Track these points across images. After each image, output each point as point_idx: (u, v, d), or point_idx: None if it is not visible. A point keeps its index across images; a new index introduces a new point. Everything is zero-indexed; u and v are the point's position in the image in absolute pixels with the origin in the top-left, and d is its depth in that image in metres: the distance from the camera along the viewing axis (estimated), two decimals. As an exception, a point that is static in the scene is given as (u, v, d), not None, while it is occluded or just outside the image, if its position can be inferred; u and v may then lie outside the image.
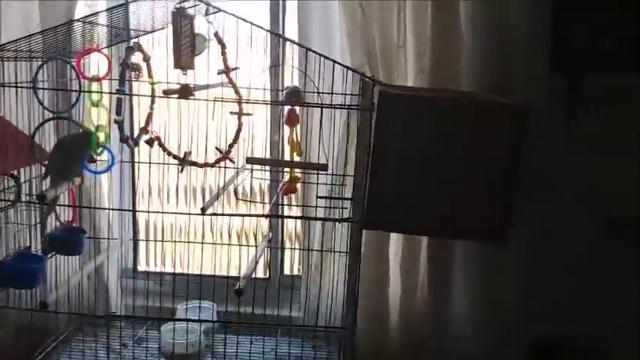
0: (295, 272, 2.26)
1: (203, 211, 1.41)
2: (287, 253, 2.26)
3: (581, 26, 1.80)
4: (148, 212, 2.08)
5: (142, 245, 2.36)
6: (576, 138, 1.80)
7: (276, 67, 1.95)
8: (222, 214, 1.46)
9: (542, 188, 1.74)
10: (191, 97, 1.44)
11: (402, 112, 1.42)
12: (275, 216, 1.93)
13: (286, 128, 1.89)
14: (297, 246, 2.19)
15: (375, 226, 1.49)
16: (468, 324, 1.92)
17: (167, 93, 1.51)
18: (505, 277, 1.77)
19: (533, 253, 1.73)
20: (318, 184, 1.96)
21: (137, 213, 2.27)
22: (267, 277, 2.24)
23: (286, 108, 1.86)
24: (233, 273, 2.14)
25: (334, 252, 1.95)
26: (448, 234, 1.45)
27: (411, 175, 1.43)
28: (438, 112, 1.42)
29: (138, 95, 1.75)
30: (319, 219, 1.75)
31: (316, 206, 1.86)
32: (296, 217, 1.88)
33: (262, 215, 1.89)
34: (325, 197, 1.71)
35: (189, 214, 1.71)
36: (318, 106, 1.59)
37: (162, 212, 1.85)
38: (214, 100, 1.42)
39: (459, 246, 1.89)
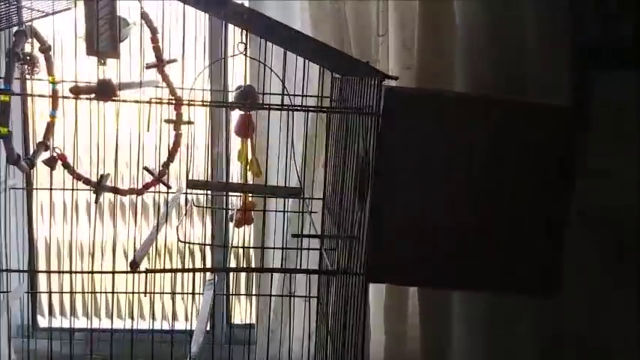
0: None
1: (133, 267, 0.95)
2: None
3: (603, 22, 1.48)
4: (53, 272, 1.55)
5: (42, 283, 1.84)
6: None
7: (219, 60, 1.51)
8: (157, 271, 1.02)
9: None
10: (115, 99, 0.98)
11: (419, 118, 1.02)
12: (232, 270, 1.47)
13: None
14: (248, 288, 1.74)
15: (382, 278, 1.08)
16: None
17: (77, 92, 1.03)
18: (524, 326, 1.40)
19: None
20: (276, 211, 1.54)
21: (37, 245, 1.77)
22: (210, 327, 1.78)
23: (237, 114, 1.43)
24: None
25: (301, 298, 1.54)
26: (486, 286, 1.06)
27: (430, 204, 1.03)
28: (468, 117, 1.03)
29: (32, 95, 1.24)
30: (301, 271, 1.31)
31: (279, 247, 1.42)
32: (266, 270, 1.43)
33: (210, 269, 1.44)
34: (306, 236, 1.27)
35: (113, 272, 1.24)
36: (301, 110, 1.16)
37: (71, 272, 1.35)
38: (149, 102, 0.96)
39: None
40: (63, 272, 1.47)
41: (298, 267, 1.41)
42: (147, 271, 0.94)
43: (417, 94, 1.09)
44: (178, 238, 1.21)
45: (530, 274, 1.03)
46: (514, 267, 1.03)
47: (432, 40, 1.47)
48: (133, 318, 1.67)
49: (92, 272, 1.36)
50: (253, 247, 1.47)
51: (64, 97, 1.36)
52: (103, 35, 1.04)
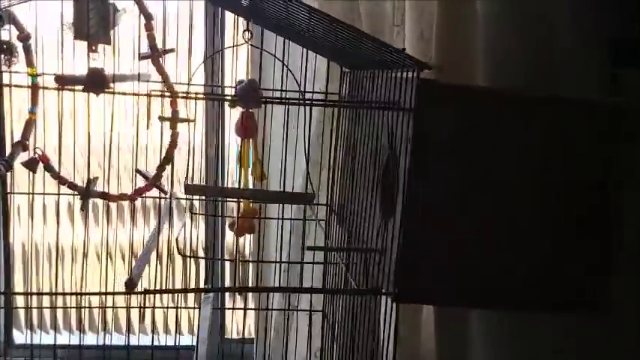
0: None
1: (129, 287, 0.81)
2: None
3: None
4: (32, 294, 1.38)
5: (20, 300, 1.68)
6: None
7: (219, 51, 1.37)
8: (157, 292, 0.88)
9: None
10: (108, 90, 0.84)
11: (457, 114, 0.90)
12: (245, 290, 1.33)
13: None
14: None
15: (416, 298, 0.95)
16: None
17: (62, 83, 0.89)
18: (553, 342, 1.27)
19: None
20: (281, 219, 1.40)
21: (15, 254, 1.62)
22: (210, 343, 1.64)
23: (238, 111, 1.29)
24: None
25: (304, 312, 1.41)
26: (535, 304, 0.94)
27: (472, 210, 0.91)
28: (513, 115, 0.91)
29: (10, 86, 1.10)
30: (325, 291, 1.16)
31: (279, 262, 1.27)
32: (288, 290, 1.28)
33: (215, 290, 1.30)
34: (326, 249, 1.14)
35: (105, 293, 1.09)
36: (323, 105, 1.03)
37: (56, 294, 1.19)
38: (148, 95, 0.81)
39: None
40: (43, 294, 1.32)
41: (302, 279, 1.27)
42: (145, 292, 0.80)
43: (456, 88, 0.97)
44: (179, 251, 1.07)
45: (584, 290, 0.91)
46: (565, 282, 0.91)
47: (451, 31, 1.34)
48: (129, 333, 1.52)
49: (81, 294, 1.20)
50: (269, 262, 1.33)
51: (44, 88, 1.22)
52: (93, 20, 0.90)
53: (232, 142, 1.55)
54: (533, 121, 0.90)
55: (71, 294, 1.18)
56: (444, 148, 0.89)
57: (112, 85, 0.88)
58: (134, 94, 0.86)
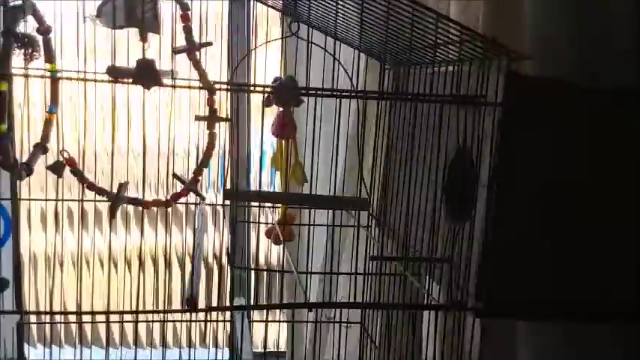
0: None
1: (192, 305, 0.72)
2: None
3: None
4: (48, 313, 1.25)
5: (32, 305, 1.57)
6: None
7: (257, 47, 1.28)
8: (218, 309, 0.78)
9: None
10: (164, 84, 0.75)
11: (545, 111, 0.82)
12: (297, 303, 1.22)
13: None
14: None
15: (500, 312, 0.87)
16: None
17: (115, 74, 0.79)
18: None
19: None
20: (314, 225, 1.31)
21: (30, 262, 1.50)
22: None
23: (274, 111, 1.20)
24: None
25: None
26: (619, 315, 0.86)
27: (557, 219, 0.84)
28: (606, 111, 0.83)
29: (29, 76, 1.01)
30: (397, 307, 1.04)
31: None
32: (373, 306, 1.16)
33: (286, 305, 1.20)
34: (387, 259, 1.04)
35: (165, 311, 0.97)
36: (391, 99, 0.94)
37: (113, 313, 1.07)
38: (210, 89, 0.70)
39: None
40: (96, 313, 1.20)
41: (371, 291, 1.18)
42: (209, 309, 0.71)
43: (545, 80, 0.89)
44: (229, 263, 0.98)
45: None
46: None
47: (499, 23, 1.26)
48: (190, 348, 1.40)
49: (138, 312, 1.08)
50: (340, 274, 1.24)
51: (62, 79, 1.13)
52: (146, 7, 0.80)
53: (257, 143, 1.46)
54: (626, 117, 0.83)
55: (129, 312, 1.07)
56: (532, 147, 0.81)
57: (165, 79, 0.79)
58: (198, 88, 0.77)
